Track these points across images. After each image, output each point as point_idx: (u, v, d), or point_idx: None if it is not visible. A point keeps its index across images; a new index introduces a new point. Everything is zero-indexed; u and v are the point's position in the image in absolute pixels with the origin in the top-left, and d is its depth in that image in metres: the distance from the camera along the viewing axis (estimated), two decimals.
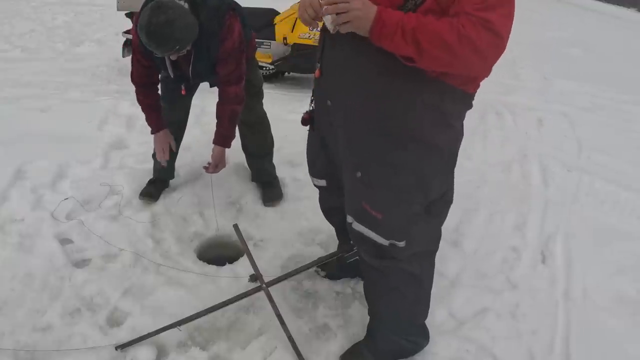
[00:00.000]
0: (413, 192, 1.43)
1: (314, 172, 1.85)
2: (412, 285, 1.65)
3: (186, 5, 1.93)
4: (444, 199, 1.51)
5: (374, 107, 1.37)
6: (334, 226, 2.07)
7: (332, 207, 1.93)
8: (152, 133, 2.34)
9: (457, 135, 1.44)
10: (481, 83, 1.39)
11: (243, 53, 2.16)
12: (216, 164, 2.29)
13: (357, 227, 1.54)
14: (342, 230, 1.86)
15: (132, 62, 2.21)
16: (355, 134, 1.45)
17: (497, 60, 1.20)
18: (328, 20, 1.24)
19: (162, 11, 1.81)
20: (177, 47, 1.90)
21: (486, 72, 1.25)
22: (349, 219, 1.57)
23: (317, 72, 1.52)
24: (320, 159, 1.77)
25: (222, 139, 2.25)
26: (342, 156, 1.54)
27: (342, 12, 1.20)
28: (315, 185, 1.89)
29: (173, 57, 2.04)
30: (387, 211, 1.46)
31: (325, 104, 1.53)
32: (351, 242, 1.94)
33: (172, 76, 2.19)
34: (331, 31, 1.27)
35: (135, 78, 2.22)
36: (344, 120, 1.47)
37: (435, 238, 1.62)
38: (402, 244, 1.49)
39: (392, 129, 1.37)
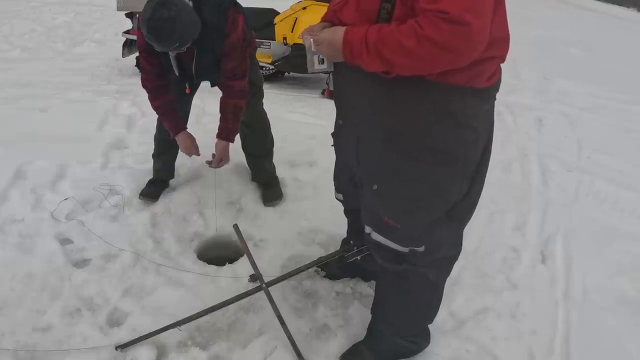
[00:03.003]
0: (429, 199, 1.41)
1: (335, 185, 1.87)
2: (428, 291, 1.65)
3: (190, 3, 1.94)
4: (468, 200, 1.47)
5: (381, 121, 1.37)
6: (349, 222, 2.05)
7: (350, 210, 1.94)
8: (172, 136, 2.31)
9: (475, 135, 1.35)
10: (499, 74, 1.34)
11: (247, 47, 2.18)
12: (220, 158, 2.28)
13: (376, 237, 1.54)
14: (356, 230, 1.86)
15: (141, 66, 2.22)
16: (368, 149, 1.47)
17: (476, 47, 1.11)
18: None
19: (167, 7, 1.82)
20: (177, 45, 1.91)
21: (466, 61, 1.15)
22: (367, 229, 1.57)
23: (326, 91, 1.58)
24: (341, 176, 1.79)
25: (226, 133, 2.25)
26: (359, 171, 1.55)
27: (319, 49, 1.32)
28: (335, 198, 1.91)
29: (172, 54, 2.05)
30: (406, 221, 1.46)
31: (337, 123, 1.60)
32: (351, 242, 1.95)
33: (177, 74, 2.19)
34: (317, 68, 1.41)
35: (145, 82, 2.21)
36: (356, 137, 1.49)
37: (455, 243, 1.59)
38: (421, 249, 1.49)
39: (401, 140, 1.36)
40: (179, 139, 2.31)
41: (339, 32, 1.26)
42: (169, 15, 1.82)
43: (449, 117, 1.29)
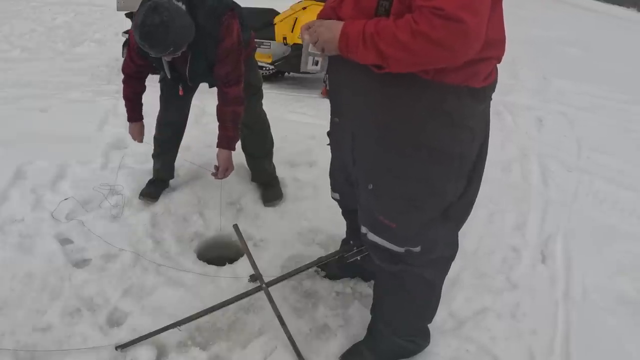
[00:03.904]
0: (425, 199, 1.41)
1: (331, 185, 1.86)
2: (425, 290, 1.65)
3: (183, 7, 1.93)
4: (464, 200, 1.47)
5: (376, 118, 1.37)
6: (348, 224, 2.05)
7: (348, 211, 1.93)
8: (127, 120, 2.42)
9: (471, 135, 1.35)
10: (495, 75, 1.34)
11: (241, 53, 2.15)
12: (226, 168, 2.24)
13: (372, 237, 1.54)
14: (355, 230, 1.86)
15: (125, 57, 2.24)
16: (363, 147, 1.46)
17: (471, 45, 1.11)
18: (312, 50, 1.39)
19: (158, 12, 1.80)
20: (171, 49, 1.89)
21: (461, 60, 1.15)
22: (364, 229, 1.57)
23: (323, 90, 1.57)
24: (337, 175, 1.79)
25: (226, 142, 2.21)
26: (355, 170, 1.55)
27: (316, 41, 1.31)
28: (332, 197, 1.90)
29: (167, 58, 2.05)
30: (401, 220, 1.45)
31: (333, 121, 1.58)
32: (351, 242, 1.95)
33: (169, 77, 2.19)
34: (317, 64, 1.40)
35: (124, 69, 2.28)
36: (351, 135, 1.49)
37: (451, 243, 1.59)
38: (417, 249, 1.49)
39: (396, 138, 1.35)
40: (130, 125, 2.42)
41: (338, 25, 1.27)
42: (161, 20, 1.80)
43: (444, 115, 1.29)
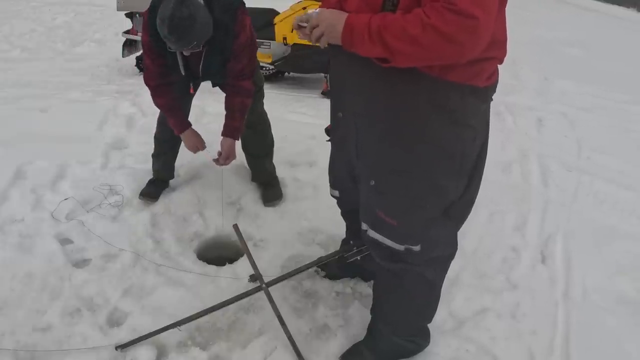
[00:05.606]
0: (427, 197, 1.41)
1: (331, 182, 1.86)
2: (425, 290, 1.65)
3: (201, 1, 1.94)
4: (465, 199, 1.47)
5: (380, 113, 1.37)
6: (348, 224, 2.04)
7: (347, 211, 1.93)
8: (177, 133, 2.29)
9: (473, 134, 1.36)
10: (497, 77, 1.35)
11: (255, 47, 2.20)
12: (227, 156, 2.28)
13: (373, 234, 1.54)
14: (355, 231, 1.86)
15: (144, 64, 2.21)
16: (366, 143, 1.46)
17: (479, 42, 1.12)
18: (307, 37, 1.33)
19: (186, 5, 1.82)
20: (195, 43, 1.91)
21: (468, 56, 1.16)
22: (364, 226, 1.57)
23: (324, 85, 1.54)
24: (338, 172, 1.78)
25: (231, 131, 2.25)
26: (358, 166, 1.55)
27: (315, 27, 1.27)
28: (331, 195, 1.89)
29: (186, 53, 2.04)
30: (402, 218, 1.46)
31: (337, 116, 1.57)
32: (351, 242, 1.95)
33: (183, 74, 2.18)
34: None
35: (148, 80, 2.19)
36: (355, 130, 1.48)
37: (450, 243, 1.59)
38: (417, 248, 1.49)
39: (399, 134, 1.36)
40: (184, 136, 2.30)
41: (342, 16, 1.25)
42: (189, 13, 1.82)
43: (447, 113, 1.30)
